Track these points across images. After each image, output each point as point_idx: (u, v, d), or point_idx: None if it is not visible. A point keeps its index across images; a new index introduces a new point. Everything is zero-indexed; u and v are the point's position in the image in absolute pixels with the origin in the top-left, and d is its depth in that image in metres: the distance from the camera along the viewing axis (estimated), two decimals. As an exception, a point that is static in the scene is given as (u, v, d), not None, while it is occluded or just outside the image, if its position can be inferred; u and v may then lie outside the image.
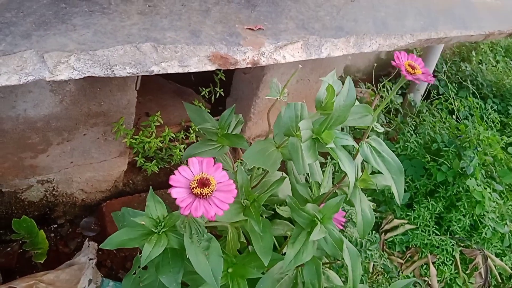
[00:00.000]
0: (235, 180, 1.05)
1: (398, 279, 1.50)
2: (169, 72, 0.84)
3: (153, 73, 0.83)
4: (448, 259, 1.86)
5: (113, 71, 0.79)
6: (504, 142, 2.07)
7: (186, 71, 0.86)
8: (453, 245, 1.87)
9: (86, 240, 1.43)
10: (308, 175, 0.86)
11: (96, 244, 1.41)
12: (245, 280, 0.91)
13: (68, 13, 0.83)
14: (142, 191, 1.71)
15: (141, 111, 1.82)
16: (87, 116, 1.34)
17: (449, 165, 1.86)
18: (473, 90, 2.85)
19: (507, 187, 2.07)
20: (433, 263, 1.83)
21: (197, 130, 1.71)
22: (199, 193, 0.65)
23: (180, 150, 1.66)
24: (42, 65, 0.74)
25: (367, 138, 0.88)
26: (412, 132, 2.08)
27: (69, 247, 1.57)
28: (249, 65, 0.93)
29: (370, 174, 0.96)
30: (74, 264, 1.34)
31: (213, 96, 1.82)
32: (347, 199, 0.92)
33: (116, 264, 1.60)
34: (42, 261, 1.32)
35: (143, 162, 1.60)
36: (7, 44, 0.73)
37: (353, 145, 0.84)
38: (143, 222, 0.84)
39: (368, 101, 2.54)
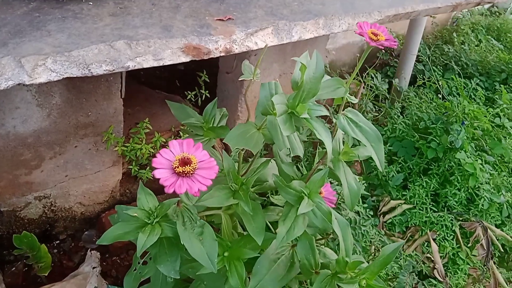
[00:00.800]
0: (222, 168, 1.08)
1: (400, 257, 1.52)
2: (144, 66, 0.87)
3: (129, 69, 0.86)
4: (448, 234, 1.88)
5: (90, 69, 0.82)
6: (491, 114, 2.10)
7: (161, 64, 0.89)
8: (451, 220, 1.89)
9: (88, 250, 1.45)
10: (289, 150, 0.88)
11: (99, 253, 1.43)
12: (241, 262, 0.94)
13: (42, 21, 0.86)
14: (140, 199, 1.73)
15: (131, 122, 1.85)
16: (76, 127, 1.37)
17: (438, 141, 1.89)
18: (458, 70, 2.88)
19: (499, 158, 2.09)
20: (434, 239, 1.85)
21: (186, 134, 1.74)
22: (181, 171, 0.68)
23: (172, 155, 1.68)
24: (20, 69, 0.77)
25: (343, 110, 0.91)
26: (399, 114, 2.11)
27: (73, 261, 1.58)
28: (222, 54, 0.96)
29: (352, 147, 0.99)
30: (79, 274, 1.36)
31: (199, 99, 1.85)
32: (331, 172, 0.94)
33: (121, 273, 1.62)
34: (46, 274, 1.34)
35: (137, 170, 1.63)
36: (-15, 53, 0.77)
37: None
38: (135, 214, 0.87)
39: (355, 91, 2.58)
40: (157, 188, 1.81)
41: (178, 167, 0.68)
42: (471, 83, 2.84)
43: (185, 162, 0.69)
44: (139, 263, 1.04)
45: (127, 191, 1.74)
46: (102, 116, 1.40)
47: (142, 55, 0.87)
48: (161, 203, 0.89)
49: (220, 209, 1.04)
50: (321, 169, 1.00)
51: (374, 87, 2.51)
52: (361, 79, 2.59)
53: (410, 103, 2.28)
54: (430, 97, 2.37)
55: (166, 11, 0.97)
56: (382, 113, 2.43)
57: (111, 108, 1.39)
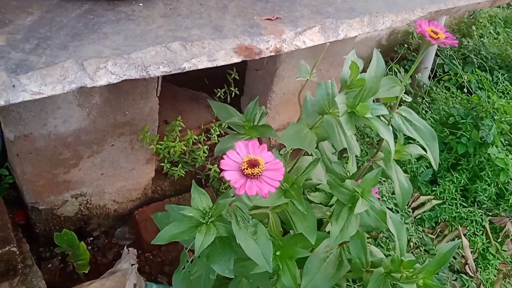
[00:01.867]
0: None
1: (435, 251, 1.52)
2: (199, 67, 0.88)
3: (185, 70, 0.86)
4: (478, 230, 1.88)
5: (148, 71, 0.82)
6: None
7: (214, 65, 0.89)
8: (481, 215, 1.88)
9: (125, 247, 1.46)
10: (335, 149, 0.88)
11: (135, 250, 1.45)
12: (293, 261, 0.94)
13: (97, 23, 0.86)
14: (171, 196, 1.74)
15: (159, 120, 1.85)
16: (114, 126, 1.37)
17: (468, 137, 1.88)
18: (478, 64, 2.86)
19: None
20: (464, 235, 1.84)
21: (218, 131, 1.74)
22: (250, 173, 0.68)
23: (203, 152, 1.69)
24: (82, 72, 0.77)
25: (397, 109, 0.90)
26: (426, 109, 2.10)
27: (107, 257, 1.60)
28: (272, 53, 0.96)
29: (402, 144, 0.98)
30: (117, 271, 1.37)
31: (228, 96, 1.85)
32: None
33: (154, 269, 1.63)
34: (86, 271, 1.36)
35: (169, 167, 1.64)
36: (47, 56, 0.77)
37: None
38: (191, 214, 0.87)
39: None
40: (188, 185, 1.82)
41: (247, 169, 0.68)
42: (492, 76, 2.82)
43: (253, 164, 0.69)
44: (187, 261, 1.05)
45: (158, 188, 1.74)
46: (139, 115, 1.40)
47: (197, 56, 0.86)
48: (217, 203, 0.89)
49: (267, 208, 1.04)
50: (372, 168, 1.00)
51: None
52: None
53: (436, 98, 2.26)
54: (453, 92, 2.35)
55: (215, 11, 0.97)
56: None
57: (147, 107, 1.40)
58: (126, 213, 1.66)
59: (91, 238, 1.62)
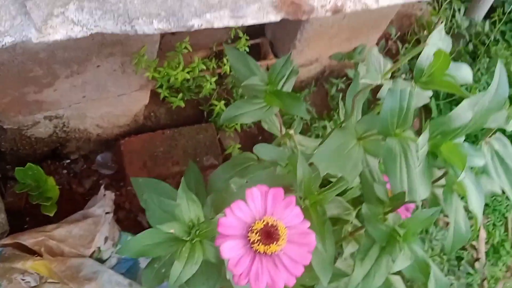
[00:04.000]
0: (286, 163, 0.83)
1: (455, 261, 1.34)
2: (215, 26, 0.58)
3: (193, 29, 0.56)
4: (498, 220, 1.68)
5: (134, 26, 0.53)
6: None
7: (239, 25, 0.59)
8: (507, 205, 1.67)
9: (102, 188, 1.26)
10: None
11: (113, 194, 1.24)
12: (296, 296, 0.73)
13: None
14: (165, 126, 1.50)
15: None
16: (101, 45, 1.07)
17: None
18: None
19: None
20: (483, 225, 1.65)
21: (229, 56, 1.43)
22: (262, 251, 0.43)
23: (210, 83, 1.40)
24: (24, 19, 0.48)
25: (489, 136, 0.62)
26: (484, 71, 1.75)
27: (84, 186, 1.41)
28: (328, 13, 0.64)
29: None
30: (88, 216, 1.18)
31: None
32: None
33: (135, 206, 1.45)
34: (52, 215, 1.17)
35: (167, 95, 1.36)
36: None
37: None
38: (172, 231, 0.64)
39: (428, 21, 2.17)
40: (187, 116, 1.57)
41: (258, 243, 0.43)
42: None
43: (270, 235, 0.43)
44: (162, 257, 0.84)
45: (151, 114, 1.49)
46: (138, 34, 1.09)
47: (215, 9, 0.56)
48: (209, 221, 0.66)
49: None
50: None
51: (453, 22, 2.10)
52: (436, 6, 2.16)
53: (494, 54, 1.89)
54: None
55: None
56: (452, 55, 2.05)
57: (147, 25, 1.08)
58: (111, 139, 1.43)
59: (68, 161, 1.42)
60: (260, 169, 0.82)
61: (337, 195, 0.74)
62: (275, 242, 0.43)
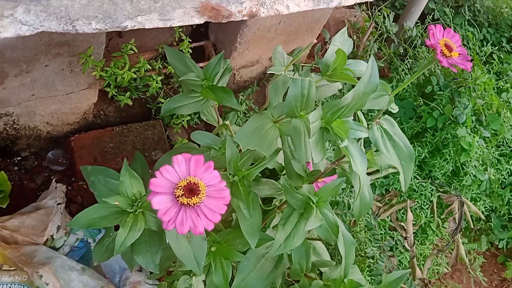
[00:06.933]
0: (220, 146, 0.94)
1: (380, 235, 1.49)
2: (146, 27, 0.68)
3: (127, 29, 0.66)
4: (425, 204, 1.87)
5: (75, 26, 0.62)
6: (497, 86, 1.98)
7: (167, 26, 0.69)
8: (432, 190, 1.86)
9: (53, 181, 1.32)
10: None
11: (64, 186, 1.31)
12: (229, 261, 0.85)
13: None
14: (115, 124, 1.57)
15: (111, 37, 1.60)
16: (48, 45, 1.14)
17: (441, 111, 1.78)
18: (469, 17, 2.66)
19: (493, 131, 2.02)
20: (411, 208, 1.83)
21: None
22: (185, 203, 0.54)
23: (156, 82, 1.49)
24: (-22, 18, 0.56)
25: (378, 118, 0.76)
26: (407, 71, 1.95)
27: (35, 181, 1.46)
28: (245, 18, 0.76)
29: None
30: (41, 207, 1.24)
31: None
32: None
33: (87, 199, 1.51)
34: (4, 206, 1.22)
35: (115, 93, 1.44)
36: None
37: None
38: (116, 203, 0.73)
39: (362, 26, 2.35)
40: (135, 114, 1.65)
41: (182, 197, 0.54)
42: (478, 34, 2.65)
43: (192, 190, 0.55)
44: (111, 234, 0.93)
45: (101, 112, 1.56)
46: (81, 35, 1.17)
47: (145, 13, 0.66)
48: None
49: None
50: (335, 170, 0.88)
51: (383, 27, 2.29)
52: (370, 14, 2.35)
53: (419, 57, 2.10)
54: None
55: None
56: (384, 57, 2.24)
57: (93, 27, 1.16)
58: (61, 136, 1.49)
59: (19, 158, 1.46)
60: (198, 152, 0.92)
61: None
62: (196, 196, 0.54)
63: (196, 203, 0.54)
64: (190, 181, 0.55)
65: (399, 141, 0.77)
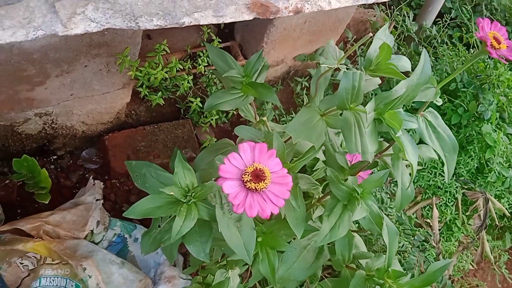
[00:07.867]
0: (267, 142, 0.96)
1: (410, 230, 1.51)
2: (201, 23, 0.71)
3: (184, 25, 0.69)
4: (450, 201, 1.88)
5: (138, 23, 0.66)
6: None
7: (220, 22, 0.72)
8: (457, 187, 1.87)
9: (91, 178, 1.36)
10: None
11: (102, 183, 1.35)
12: (275, 250, 0.87)
13: None
14: (146, 123, 1.61)
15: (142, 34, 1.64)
16: (89, 46, 1.18)
17: (466, 108, 1.79)
18: (486, 15, 2.67)
19: (516, 128, 2.03)
20: (436, 204, 1.84)
21: (206, 61, 1.57)
22: (253, 188, 0.57)
23: (188, 82, 1.53)
24: (53, 16, 0.60)
25: (423, 110, 0.78)
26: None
27: (71, 179, 1.50)
28: (291, 14, 0.79)
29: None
30: (80, 204, 1.28)
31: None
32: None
33: (120, 197, 1.55)
34: (47, 202, 1.26)
35: (147, 93, 1.48)
36: (8, -12, 0.58)
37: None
38: (172, 193, 0.76)
39: (381, 26, 2.37)
40: (165, 113, 1.69)
41: (250, 182, 0.57)
42: (496, 33, 2.65)
43: (258, 176, 0.57)
44: (159, 226, 0.96)
45: (132, 112, 1.60)
46: (119, 36, 1.21)
47: (201, 10, 0.69)
48: (202, 185, 0.78)
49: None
50: (377, 163, 0.90)
51: (403, 27, 2.31)
52: (389, 13, 2.37)
53: (441, 55, 2.11)
54: (461, 49, 2.20)
55: None
56: (406, 55, 2.25)
57: (131, 28, 1.20)
58: (95, 135, 1.53)
59: (55, 157, 1.50)
60: (235, 149, 0.95)
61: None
62: (262, 181, 0.57)
63: (263, 188, 0.57)
64: (256, 168, 0.58)
65: (443, 133, 0.79)
